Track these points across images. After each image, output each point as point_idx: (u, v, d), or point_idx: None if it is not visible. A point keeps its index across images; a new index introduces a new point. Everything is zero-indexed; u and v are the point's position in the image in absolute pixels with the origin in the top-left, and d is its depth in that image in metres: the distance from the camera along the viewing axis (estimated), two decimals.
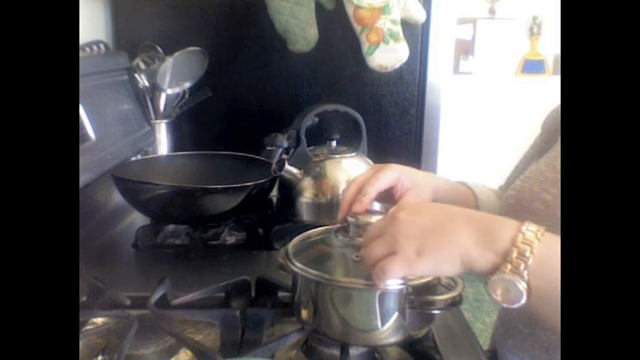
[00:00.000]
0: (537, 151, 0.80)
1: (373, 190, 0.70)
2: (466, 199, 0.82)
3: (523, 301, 0.48)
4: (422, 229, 0.51)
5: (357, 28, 1.33)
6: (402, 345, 0.63)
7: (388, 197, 0.73)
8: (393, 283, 0.57)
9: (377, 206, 0.97)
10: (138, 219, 1.14)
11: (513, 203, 0.72)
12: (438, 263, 0.51)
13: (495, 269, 0.49)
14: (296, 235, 0.70)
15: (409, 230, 0.52)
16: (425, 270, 0.51)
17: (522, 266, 0.47)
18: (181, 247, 1.02)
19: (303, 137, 1.08)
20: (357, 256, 0.62)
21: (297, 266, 0.62)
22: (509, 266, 0.48)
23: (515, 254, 0.48)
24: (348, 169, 1.10)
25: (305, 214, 1.09)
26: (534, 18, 3.13)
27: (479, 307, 2.75)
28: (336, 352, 0.63)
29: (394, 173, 0.72)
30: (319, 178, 1.08)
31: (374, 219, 0.65)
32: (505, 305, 0.49)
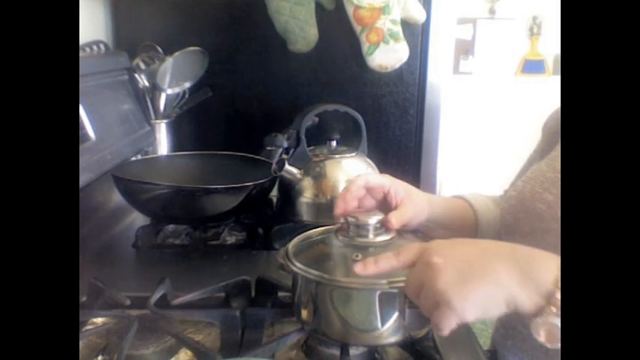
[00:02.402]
0: (539, 154, 0.80)
1: (361, 180, 0.70)
2: (464, 212, 0.81)
3: None
4: (461, 273, 0.49)
5: (357, 28, 1.33)
6: (402, 345, 0.63)
7: (384, 206, 0.73)
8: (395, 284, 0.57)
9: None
10: (138, 219, 1.14)
11: (514, 204, 0.71)
12: (484, 308, 0.48)
13: (539, 310, 0.47)
14: (296, 235, 0.70)
15: (447, 277, 0.49)
16: (473, 316, 0.49)
17: None
18: (181, 247, 1.02)
19: (303, 137, 1.08)
20: (357, 256, 0.62)
21: (297, 266, 0.62)
22: (553, 308, 0.46)
23: (558, 295, 0.46)
24: (348, 169, 1.10)
25: (305, 214, 1.09)
26: (534, 18, 3.13)
27: None
28: (336, 352, 0.63)
29: (384, 177, 0.72)
30: (319, 178, 1.08)
31: (374, 219, 0.65)
32: (549, 346, 0.47)
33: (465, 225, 0.80)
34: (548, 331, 0.46)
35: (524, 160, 0.87)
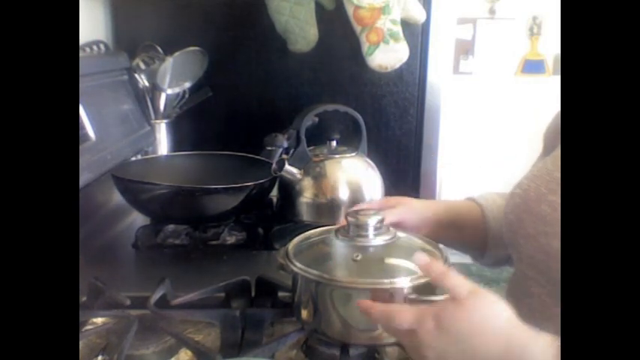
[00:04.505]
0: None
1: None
2: (471, 214, 0.83)
3: None
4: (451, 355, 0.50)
5: (357, 28, 1.33)
6: (402, 345, 0.63)
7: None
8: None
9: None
10: (138, 219, 1.14)
11: (519, 203, 0.70)
12: None
13: None
14: (296, 235, 0.70)
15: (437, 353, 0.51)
16: None
17: None
18: (181, 247, 1.02)
19: (303, 137, 1.08)
20: (357, 256, 0.62)
21: (297, 266, 0.62)
22: None
23: None
24: (348, 169, 1.10)
25: (305, 214, 1.09)
26: (534, 18, 3.13)
27: None
28: (336, 352, 0.63)
29: (397, 217, 0.75)
30: (319, 178, 1.08)
31: (374, 219, 0.65)
32: None
33: (474, 226, 0.81)
34: None
35: (524, 160, 0.87)
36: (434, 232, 0.77)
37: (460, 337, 0.50)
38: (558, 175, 0.66)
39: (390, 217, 0.72)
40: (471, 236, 0.82)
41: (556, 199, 0.64)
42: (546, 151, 0.77)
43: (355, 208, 0.72)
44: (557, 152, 0.72)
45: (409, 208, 0.78)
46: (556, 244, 0.60)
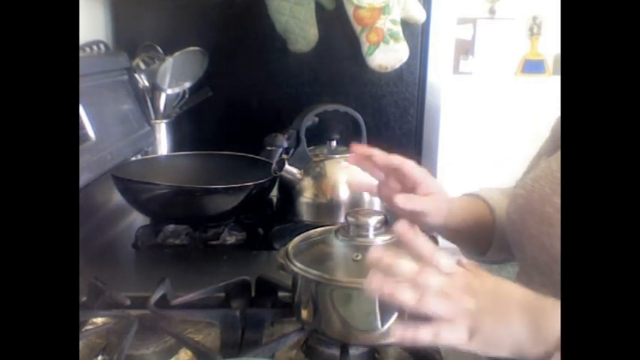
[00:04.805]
0: (546, 151, 0.79)
1: (398, 160, 0.69)
2: (482, 217, 0.81)
3: None
4: (483, 307, 0.51)
5: (357, 28, 1.33)
6: (402, 345, 0.63)
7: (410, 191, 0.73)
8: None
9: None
10: (138, 219, 1.14)
11: (522, 203, 0.70)
12: (486, 347, 0.51)
13: (546, 358, 0.49)
14: (296, 235, 0.70)
15: (476, 305, 0.51)
16: (473, 350, 0.51)
17: None
18: (181, 247, 1.02)
19: (303, 137, 1.08)
20: (357, 256, 0.62)
21: (297, 266, 0.62)
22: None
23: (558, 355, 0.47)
24: (348, 169, 1.10)
25: (305, 214, 1.09)
26: (534, 18, 3.13)
27: None
28: (336, 352, 0.63)
29: (421, 170, 0.72)
30: (319, 178, 1.08)
31: (374, 219, 0.65)
32: None
33: (483, 231, 0.80)
34: None
35: (526, 159, 0.86)
36: (442, 233, 0.76)
37: (497, 280, 0.53)
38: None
39: (420, 204, 0.70)
40: (478, 242, 0.82)
41: (559, 200, 0.64)
42: (555, 143, 0.77)
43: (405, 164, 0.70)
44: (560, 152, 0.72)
45: (439, 210, 0.74)
46: (559, 245, 0.60)
